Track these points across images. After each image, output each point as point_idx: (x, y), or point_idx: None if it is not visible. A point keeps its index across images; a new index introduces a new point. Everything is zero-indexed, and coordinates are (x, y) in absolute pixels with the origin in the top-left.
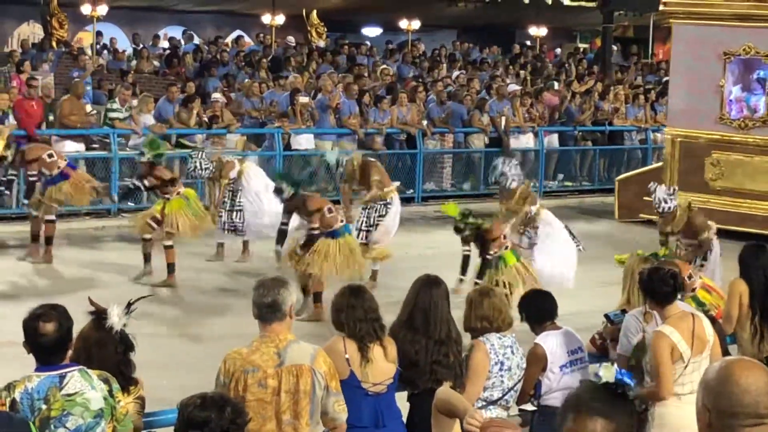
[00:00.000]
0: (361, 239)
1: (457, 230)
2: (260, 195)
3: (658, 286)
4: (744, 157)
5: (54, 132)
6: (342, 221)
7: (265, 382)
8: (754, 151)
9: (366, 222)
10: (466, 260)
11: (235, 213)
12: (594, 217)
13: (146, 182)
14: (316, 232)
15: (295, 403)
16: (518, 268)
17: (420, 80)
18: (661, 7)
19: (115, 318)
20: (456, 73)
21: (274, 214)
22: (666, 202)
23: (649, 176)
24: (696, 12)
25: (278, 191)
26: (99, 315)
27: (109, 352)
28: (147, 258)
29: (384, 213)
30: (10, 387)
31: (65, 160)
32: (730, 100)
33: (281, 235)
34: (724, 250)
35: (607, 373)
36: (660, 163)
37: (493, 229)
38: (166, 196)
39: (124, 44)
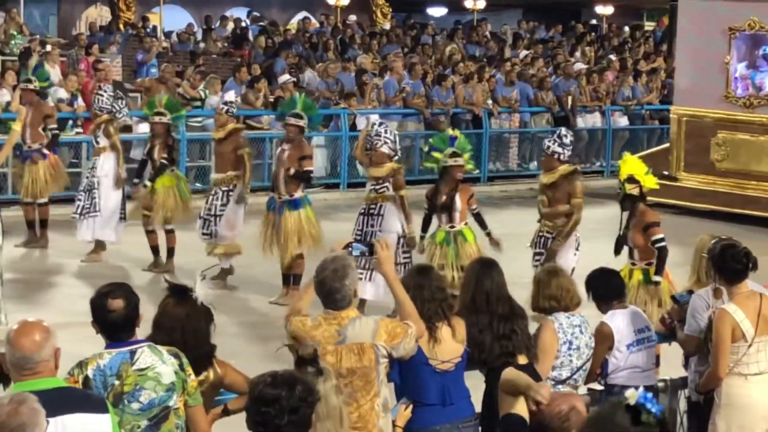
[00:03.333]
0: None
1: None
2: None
3: (730, 263)
4: (749, 136)
5: (134, 114)
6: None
7: (323, 357)
8: (759, 131)
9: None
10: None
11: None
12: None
13: (156, 153)
14: None
15: (358, 379)
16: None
17: (485, 60)
18: None
19: (200, 290)
20: (524, 53)
21: None
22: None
23: (658, 157)
24: None
25: None
26: (183, 289)
27: (201, 326)
28: (155, 250)
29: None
30: (81, 364)
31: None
32: (736, 78)
33: None
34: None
35: (632, 395)
36: (667, 144)
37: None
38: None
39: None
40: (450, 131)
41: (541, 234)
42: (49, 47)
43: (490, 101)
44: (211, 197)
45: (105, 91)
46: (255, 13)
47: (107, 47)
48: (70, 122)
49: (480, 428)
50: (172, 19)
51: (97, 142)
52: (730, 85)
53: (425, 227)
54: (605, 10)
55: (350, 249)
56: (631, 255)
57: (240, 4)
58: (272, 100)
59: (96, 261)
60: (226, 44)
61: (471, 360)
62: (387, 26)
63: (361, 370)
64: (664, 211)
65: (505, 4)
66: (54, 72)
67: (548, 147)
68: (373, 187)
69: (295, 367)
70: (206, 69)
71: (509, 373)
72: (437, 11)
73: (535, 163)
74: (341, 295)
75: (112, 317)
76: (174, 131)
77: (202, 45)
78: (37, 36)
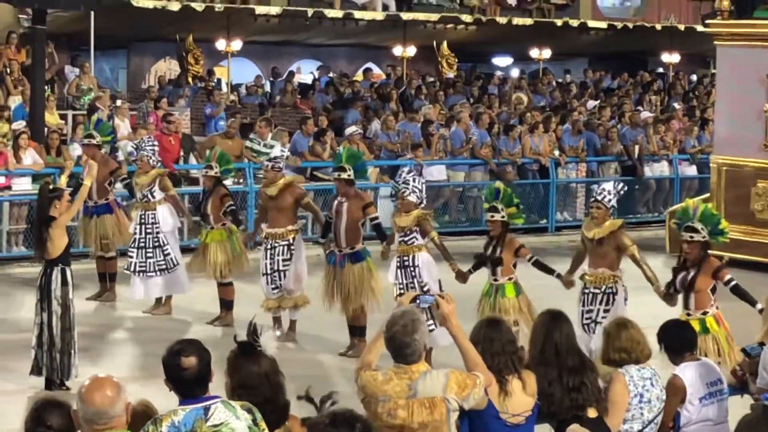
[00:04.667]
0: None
1: None
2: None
3: None
4: None
5: (195, 167)
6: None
7: (394, 413)
8: None
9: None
10: None
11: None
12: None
13: (209, 207)
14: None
15: None
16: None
17: (551, 109)
18: (703, 29)
19: (266, 343)
20: (592, 102)
21: None
22: (610, 194)
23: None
24: (739, 33)
25: None
26: (252, 345)
27: (280, 380)
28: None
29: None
30: (156, 421)
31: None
32: None
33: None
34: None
35: None
36: (707, 194)
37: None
38: (210, 225)
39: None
40: (496, 184)
41: (586, 290)
42: (119, 102)
43: (557, 151)
44: (269, 252)
45: (150, 142)
46: (325, 66)
47: (176, 101)
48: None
49: None
50: (241, 72)
51: (153, 197)
52: None
53: (476, 268)
54: (671, 58)
55: (418, 302)
56: (686, 305)
57: (307, 56)
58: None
59: (168, 313)
60: (293, 96)
61: (540, 413)
62: (451, 76)
63: (432, 425)
64: None
65: (571, 53)
66: (123, 126)
67: (607, 199)
68: (401, 239)
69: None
70: (274, 121)
71: (575, 429)
72: (503, 61)
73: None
74: (411, 350)
75: (185, 375)
76: (224, 184)
77: (270, 97)
78: (106, 90)
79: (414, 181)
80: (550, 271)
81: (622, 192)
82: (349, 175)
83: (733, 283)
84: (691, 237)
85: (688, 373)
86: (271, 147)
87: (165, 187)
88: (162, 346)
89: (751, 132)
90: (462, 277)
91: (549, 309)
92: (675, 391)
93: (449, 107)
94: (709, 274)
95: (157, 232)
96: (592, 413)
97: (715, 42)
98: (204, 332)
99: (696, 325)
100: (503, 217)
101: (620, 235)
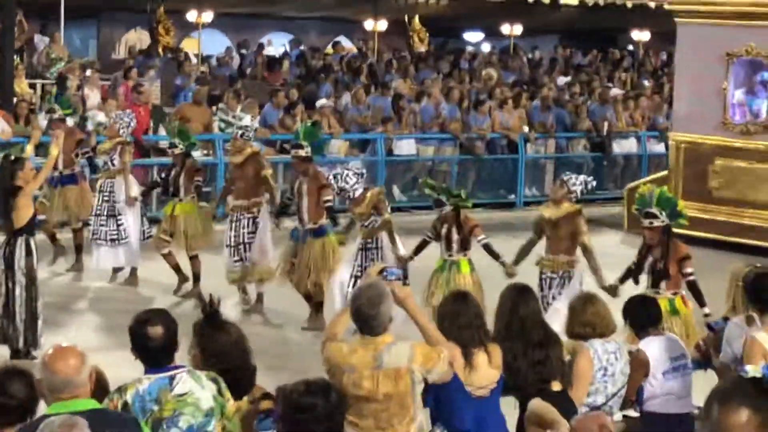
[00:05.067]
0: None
1: None
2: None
3: (764, 291)
4: (746, 164)
5: (165, 138)
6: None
7: (359, 384)
8: (756, 158)
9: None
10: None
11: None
12: (605, 227)
13: (181, 180)
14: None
15: (395, 405)
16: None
17: (522, 85)
18: (665, 6)
19: (226, 310)
20: (563, 79)
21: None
22: (578, 182)
23: (656, 185)
24: (698, 11)
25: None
26: (218, 315)
27: (248, 348)
28: (177, 269)
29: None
30: (121, 390)
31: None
32: (733, 104)
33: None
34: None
35: (754, 368)
36: (665, 171)
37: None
38: (179, 198)
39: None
40: (423, 180)
41: (544, 275)
42: (89, 72)
43: (526, 127)
44: (234, 224)
45: (130, 116)
46: (296, 38)
47: (146, 71)
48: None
49: None
50: (211, 44)
51: (114, 165)
52: (728, 112)
53: (418, 251)
54: (642, 35)
55: (385, 274)
56: (655, 285)
57: (278, 29)
58: (310, 124)
59: (133, 285)
60: (263, 69)
61: (505, 386)
62: (422, 50)
63: (397, 395)
64: None
65: (542, 29)
66: (93, 96)
67: (573, 183)
68: (363, 224)
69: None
70: (244, 93)
71: (537, 404)
72: (474, 36)
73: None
74: (377, 322)
75: (152, 345)
76: (192, 156)
77: (240, 70)
78: (76, 60)
79: (348, 182)
80: (496, 256)
81: (590, 188)
82: (306, 152)
83: (692, 278)
84: (651, 223)
85: (651, 347)
86: (241, 119)
87: (122, 157)
88: (126, 317)
89: (710, 110)
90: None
91: (515, 283)
92: (639, 365)
93: (420, 82)
94: (676, 259)
95: (114, 202)
96: (556, 386)
97: (675, 19)
98: (169, 303)
99: (665, 305)
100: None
101: (577, 220)
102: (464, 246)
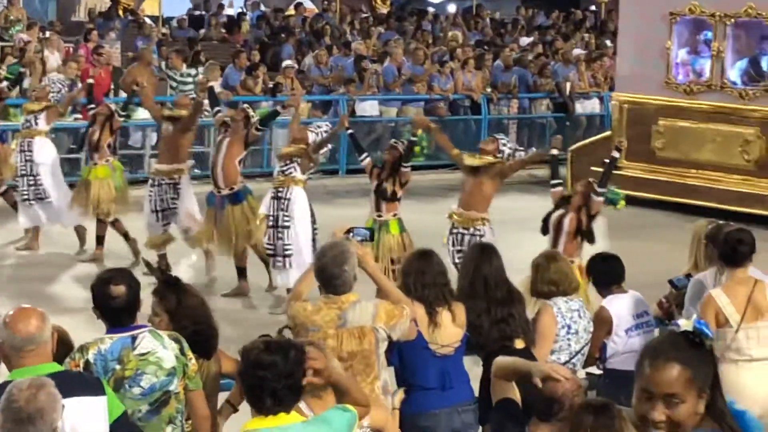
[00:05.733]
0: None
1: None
2: None
3: (732, 247)
4: (690, 124)
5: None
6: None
7: (324, 343)
8: (700, 118)
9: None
10: None
11: None
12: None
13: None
14: None
15: (359, 362)
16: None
17: (485, 46)
18: None
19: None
20: (526, 40)
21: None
22: (509, 145)
23: (600, 146)
24: None
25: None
26: (176, 279)
27: (209, 311)
28: (99, 240)
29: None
30: (83, 349)
31: None
32: (677, 64)
33: None
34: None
35: (687, 322)
36: (609, 132)
37: None
38: (94, 162)
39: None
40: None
41: (455, 230)
42: (48, 33)
43: (489, 88)
44: (156, 189)
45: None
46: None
47: (106, 33)
48: (69, 108)
49: (478, 412)
50: (172, 5)
51: (36, 124)
52: (671, 71)
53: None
54: None
55: (352, 234)
56: (554, 247)
57: None
58: (272, 86)
59: (33, 249)
60: (217, 30)
61: (469, 344)
62: (384, 12)
63: (361, 354)
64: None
65: None
66: (53, 58)
67: (503, 143)
68: (281, 169)
69: None
70: (206, 55)
71: (505, 359)
72: None
73: (534, 149)
74: (341, 281)
75: (115, 303)
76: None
77: (203, 31)
78: (35, 21)
79: (323, 128)
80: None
81: (516, 155)
82: (252, 116)
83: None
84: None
85: (614, 305)
86: (189, 76)
87: (50, 120)
88: (45, 281)
89: (653, 69)
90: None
91: (479, 242)
92: (601, 323)
93: (383, 43)
94: (583, 212)
95: (33, 160)
96: (519, 344)
97: None
98: (84, 269)
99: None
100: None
101: (498, 163)
102: (392, 198)
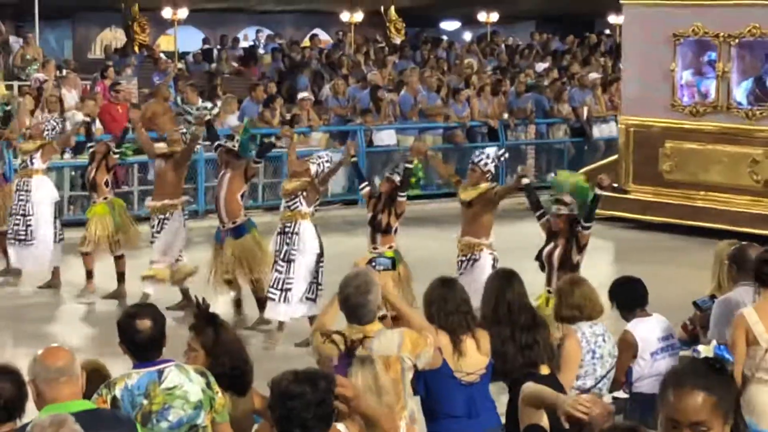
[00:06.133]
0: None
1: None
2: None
3: (764, 267)
4: (697, 146)
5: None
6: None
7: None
8: (707, 140)
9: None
10: None
11: None
12: None
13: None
14: None
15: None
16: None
17: (500, 72)
18: None
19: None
20: (542, 65)
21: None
22: (488, 159)
23: (607, 170)
24: None
25: None
26: (213, 314)
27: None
28: (89, 274)
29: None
30: (109, 385)
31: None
32: (682, 85)
33: None
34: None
35: (707, 348)
36: (615, 156)
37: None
38: (93, 200)
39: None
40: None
41: (457, 258)
42: (65, 72)
43: (506, 114)
44: (156, 225)
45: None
46: (269, 32)
47: (123, 70)
48: (88, 146)
49: None
50: (188, 40)
51: (32, 164)
52: (677, 93)
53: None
54: (618, 19)
55: (374, 264)
56: (549, 283)
57: (254, 23)
58: (289, 117)
59: (56, 287)
60: (228, 64)
61: (494, 371)
62: (398, 41)
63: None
64: (614, 225)
65: (518, 16)
66: (70, 96)
67: (484, 163)
68: (287, 204)
69: (346, 357)
70: (222, 89)
71: (532, 387)
72: (450, 25)
73: (553, 174)
74: (366, 310)
75: (140, 337)
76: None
77: (215, 65)
78: (51, 59)
79: (325, 158)
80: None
81: (503, 158)
82: (233, 145)
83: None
84: (558, 209)
85: (639, 328)
86: (204, 108)
87: (46, 158)
88: (48, 323)
89: (659, 92)
90: None
91: (501, 268)
92: (626, 347)
93: (398, 72)
94: (573, 244)
95: (28, 201)
96: (545, 370)
97: (621, 1)
98: (84, 308)
99: (543, 300)
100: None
101: (487, 193)
102: (387, 230)
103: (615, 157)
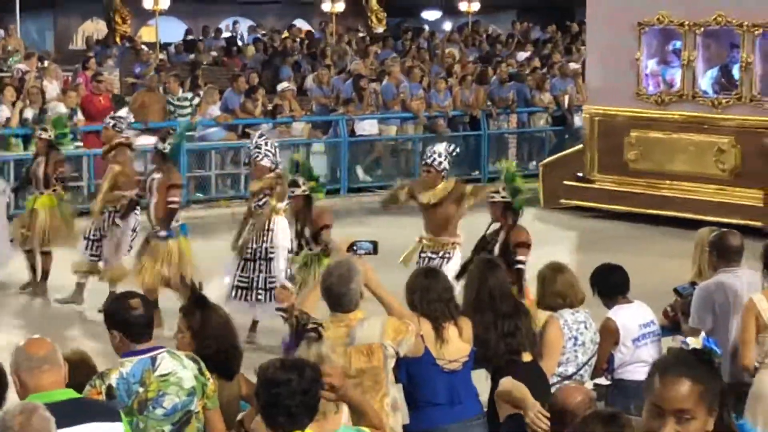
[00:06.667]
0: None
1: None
2: None
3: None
4: (662, 135)
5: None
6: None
7: (332, 360)
8: (672, 129)
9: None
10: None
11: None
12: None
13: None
14: None
15: (368, 379)
16: None
17: (482, 62)
18: None
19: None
20: (523, 54)
21: None
22: (441, 157)
23: (572, 160)
24: None
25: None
26: (204, 297)
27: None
28: (33, 269)
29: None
30: (102, 375)
31: None
32: (647, 74)
33: None
34: (647, 240)
35: (695, 340)
36: (581, 146)
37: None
38: (40, 190)
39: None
40: (294, 156)
41: (423, 254)
42: (46, 63)
43: (489, 103)
44: (97, 219)
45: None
46: (249, 23)
47: (104, 61)
48: (71, 136)
49: (487, 427)
50: (169, 31)
51: None
52: (642, 82)
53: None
54: None
55: (355, 248)
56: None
57: (236, 14)
58: (271, 108)
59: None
60: (220, 54)
61: (477, 359)
62: (380, 31)
63: (370, 371)
64: (579, 215)
65: (499, 5)
66: (52, 87)
67: (438, 162)
68: (256, 204)
69: (295, 336)
70: (203, 79)
71: (507, 383)
72: (432, 14)
73: (534, 162)
74: (348, 299)
75: (136, 315)
76: (59, 147)
77: (195, 56)
78: (34, 51)
79: (266, 144)
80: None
81: (454, 154)
82: (164, 148)
83: (520, 267)
84: (492, 197)
85: (620, 315)
86: (185, 100)
87: None
88: None
89: (624, 81)
90: None
91: (483, 256)
92: (608, 334)
93: (380, 62)
94: (512, 243)
95: None
96: (527, 357)
97: None
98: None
99: None
100: (304, 191)
101: (458, 189)
102: (317, 241)
103: (579, 147)
